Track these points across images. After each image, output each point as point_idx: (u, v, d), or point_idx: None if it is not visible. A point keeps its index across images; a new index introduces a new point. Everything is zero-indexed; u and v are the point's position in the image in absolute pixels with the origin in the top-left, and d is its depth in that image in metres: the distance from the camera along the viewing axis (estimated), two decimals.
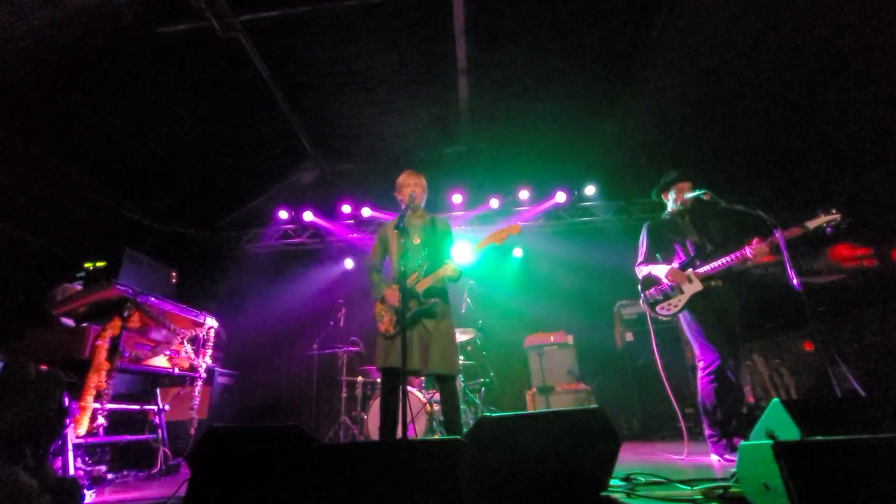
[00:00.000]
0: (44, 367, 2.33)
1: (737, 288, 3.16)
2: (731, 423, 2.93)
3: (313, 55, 4.39)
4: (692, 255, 3.20)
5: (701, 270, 3.10)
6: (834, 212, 2.83)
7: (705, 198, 3.09)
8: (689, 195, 3.23)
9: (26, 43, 3.69)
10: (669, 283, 3.16)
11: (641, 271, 3.38)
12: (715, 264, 3.06)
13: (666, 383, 3.41)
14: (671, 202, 3.42)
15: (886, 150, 5.34)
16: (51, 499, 1.83)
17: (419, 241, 2.85)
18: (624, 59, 4.61)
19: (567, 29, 4.27)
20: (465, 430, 2.33)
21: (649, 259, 3.38)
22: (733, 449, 2.86)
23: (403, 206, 2.66)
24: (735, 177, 5.98)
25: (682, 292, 3.13)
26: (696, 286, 3.09)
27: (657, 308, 3.22)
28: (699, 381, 3.07)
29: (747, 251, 2.96)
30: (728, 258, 3.02)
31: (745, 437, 2.78)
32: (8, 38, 3.59)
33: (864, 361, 4.87)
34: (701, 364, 3.07)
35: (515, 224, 2.74)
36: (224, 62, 4.29)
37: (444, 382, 2.66)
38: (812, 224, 2.86)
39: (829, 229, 2.86)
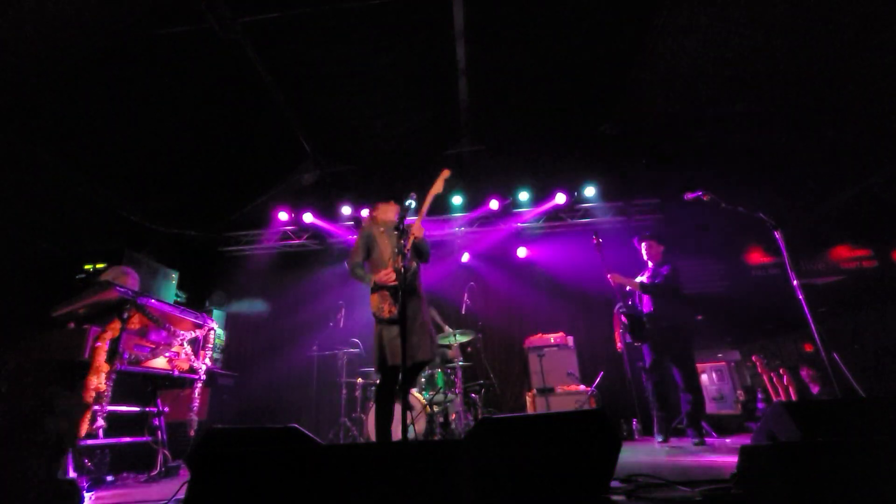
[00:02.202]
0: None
1: (662, 320, 4.14)
2: (671, 412, 4.08)
3: (313, 56, 4.39)
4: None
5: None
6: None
7: (705, 199, 3.10)
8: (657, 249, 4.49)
9: (28, 44, 3.69)
10: None
11: None
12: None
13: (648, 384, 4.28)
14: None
15: (886, 151, 5.35)
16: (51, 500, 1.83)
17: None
18: (624, 60, 4.61)
19: (567, 29, 4.27)
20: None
21: None
22: (672, 432, 4.01)
23: (401, 212, 2.62)
24: (735, 177, 5.99)
25: None
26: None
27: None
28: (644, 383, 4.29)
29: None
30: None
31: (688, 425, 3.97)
32: (9, 40, 3.60)
33: (864, 361, 4.87)
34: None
35: (445, 170, 2.92)
36: (224, 63, 4.29)
37: (420, 369, 2.74)
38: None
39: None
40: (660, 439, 4.05)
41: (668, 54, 4.47)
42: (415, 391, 4.39)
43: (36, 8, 3.43)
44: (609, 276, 4.28)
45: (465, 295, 5.37)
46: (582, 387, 5.16)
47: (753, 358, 5.40)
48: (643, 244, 4.53)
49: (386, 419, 2.64)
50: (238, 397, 5.70)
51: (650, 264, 4.48)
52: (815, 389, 4.85)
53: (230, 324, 6.71)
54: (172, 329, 3.42)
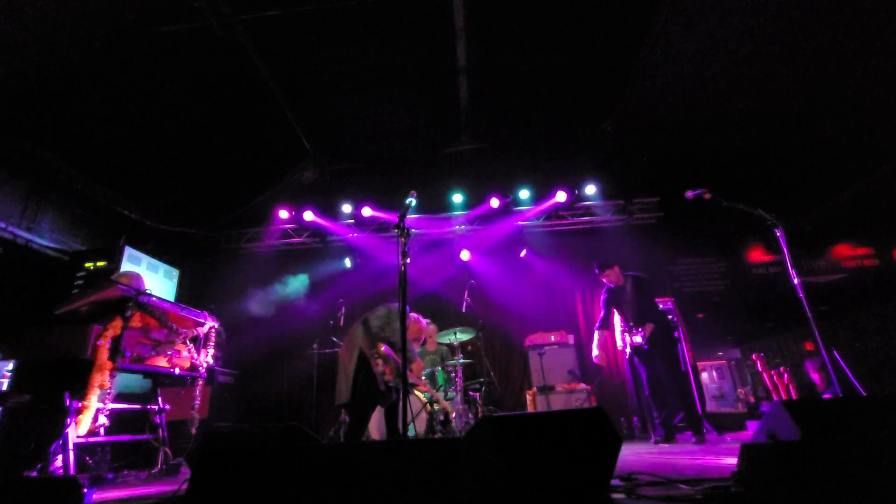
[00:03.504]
0: None
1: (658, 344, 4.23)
2: (668, 414, 4.14)
3: (313, 54, 4.38)
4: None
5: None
6: None
7: (706, 196, 3.10)
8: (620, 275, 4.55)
9: (27, 43, 3.69)
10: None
11: None
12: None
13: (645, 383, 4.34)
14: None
15: (887, 151, 5.34)
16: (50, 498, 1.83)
17: None
18: (625, 58, 4.60)
19: (567, 27, 4.26)
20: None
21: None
22: (670, 433, 4.06)
23: (402, 210, 2.60)
24: (735, 176, 5.98)
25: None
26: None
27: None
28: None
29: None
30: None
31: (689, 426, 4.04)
32: (8, 39, 3.59)
33: (864, 361, 4.87)
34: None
35: None
36: (224, 61, 4.29)
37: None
38: None
39: None
40: (658, 438, 4.07)
41: (669, 53, 4.46)
42: (417, 391, 4.39)
43: (35, 7, 3.42)
44: (645, 331, 4.24)
45: (466, 293, 5.36)
46: (582, 385, 5.17)
47: (754, 356, 5.40)
48: (602, 277, 4.56)
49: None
50: (239, 395, 5.71)
51: (612, 286, 4.53)
52: (818, 387, 4.85)
53: (231, 322, 6.71)
54: (174, 327, 3.42)
